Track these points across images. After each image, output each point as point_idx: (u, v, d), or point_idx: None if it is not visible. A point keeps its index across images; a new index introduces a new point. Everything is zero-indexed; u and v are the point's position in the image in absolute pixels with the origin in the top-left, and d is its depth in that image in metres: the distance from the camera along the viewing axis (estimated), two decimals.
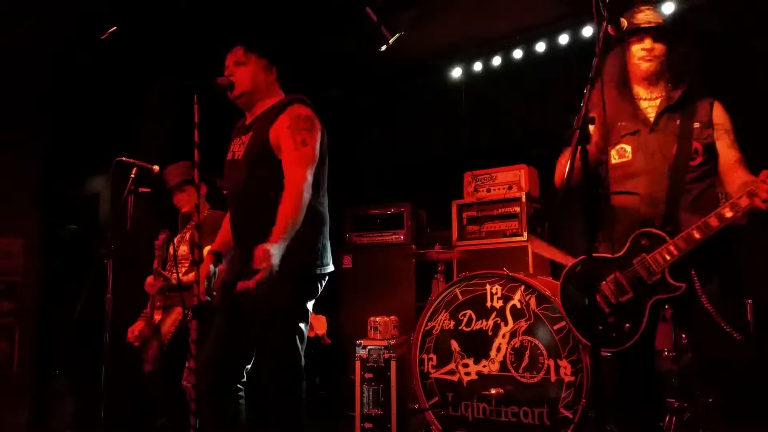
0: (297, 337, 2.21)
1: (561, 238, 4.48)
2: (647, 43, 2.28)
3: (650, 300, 2.15)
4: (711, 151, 2.22)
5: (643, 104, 2.34)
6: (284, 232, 2.09)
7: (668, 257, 2.10)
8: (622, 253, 2.21)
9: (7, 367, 4.57)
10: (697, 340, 2.21)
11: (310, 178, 2.21)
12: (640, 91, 2.36)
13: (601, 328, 2.20)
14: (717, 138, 2.23)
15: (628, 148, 2.29)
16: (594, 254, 2.26)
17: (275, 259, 2.00)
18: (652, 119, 2.29)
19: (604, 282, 2.23)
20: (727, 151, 2.22)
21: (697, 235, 2.05)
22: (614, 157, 2.32)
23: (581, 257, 2.36)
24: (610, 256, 2.25)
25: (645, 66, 2.30)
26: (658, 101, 2.32)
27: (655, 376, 2.41)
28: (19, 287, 4.81)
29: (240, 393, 2.29)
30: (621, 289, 2.20)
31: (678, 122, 2.24)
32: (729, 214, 2.01)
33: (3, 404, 4.40)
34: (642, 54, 2.29)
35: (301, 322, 2.24)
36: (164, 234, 3.31)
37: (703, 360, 2.19)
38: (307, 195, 2.18)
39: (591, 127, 2.29)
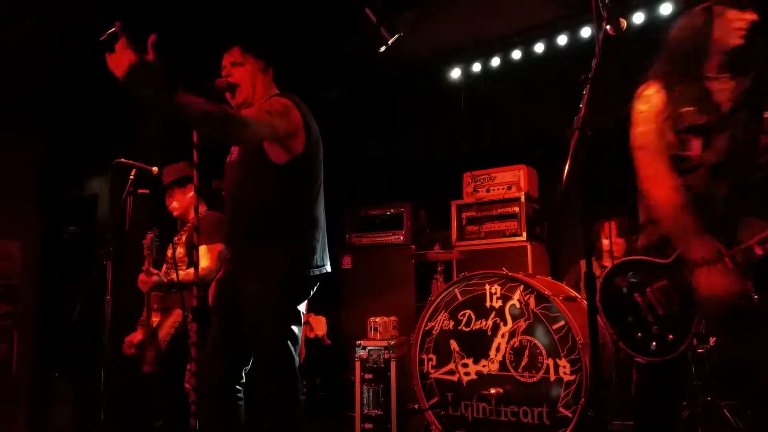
0: (288, 339, 2.19)
1: (561, 238, 4.50)
2: (749, 14, 1.96)
3: (697, 314, 2.00)
4: None
5: (715, 86, 2.03)
6: (197, 104, 1.89)
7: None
8: (671, 259, 2.04)
9: (6, 369, 4.57)
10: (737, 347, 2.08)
11: (252, 125, 2.04)
12: (710, 70, 2.06)
13: (640, 335, 2.07)
14: None
15: (696, 141, 2.02)
16: (642, 257, 2.14)
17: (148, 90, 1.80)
18: (725, 108, 2.00)
19: (650, 289, 2.08)
20: None
21: (759, 251, 1.86)
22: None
23: (627, 258, 2.21)
24: (659, 261, 2.09)
25: (738, 41, 1.97)
26: (729, 86, 2.03)
27: (680, 378, 2.28)
28: (18, 289, 4.81)
29: (239, 394, 2.29)
30: (669, 299, 2.04)
31: (746, 111, 1.98)
32: None
33: (2, 406, 4.40)
34: (741, 25, 1.96)
35: (292, 324, 2.22)
36: (152, 233, 3.30)
37: (735, 366, 2.10)
38: (245, 120, 2.01)
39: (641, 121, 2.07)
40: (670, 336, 2.02)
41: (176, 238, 3.54)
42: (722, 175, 1.96)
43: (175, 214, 3.58)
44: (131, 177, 3.06)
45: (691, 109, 2.01)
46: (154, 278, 3.23)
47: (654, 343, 2.06)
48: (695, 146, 2.00)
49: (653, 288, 2.08)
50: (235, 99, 2.37)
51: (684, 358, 2.13)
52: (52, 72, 4.41)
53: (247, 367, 2.30)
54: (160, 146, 4.50)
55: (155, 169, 3.18)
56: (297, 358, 2.22)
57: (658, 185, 2.03)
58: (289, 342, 2.19)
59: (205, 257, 3.25)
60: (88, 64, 4.19)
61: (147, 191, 3.13)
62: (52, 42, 4.06)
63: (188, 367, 2.95)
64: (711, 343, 2.37)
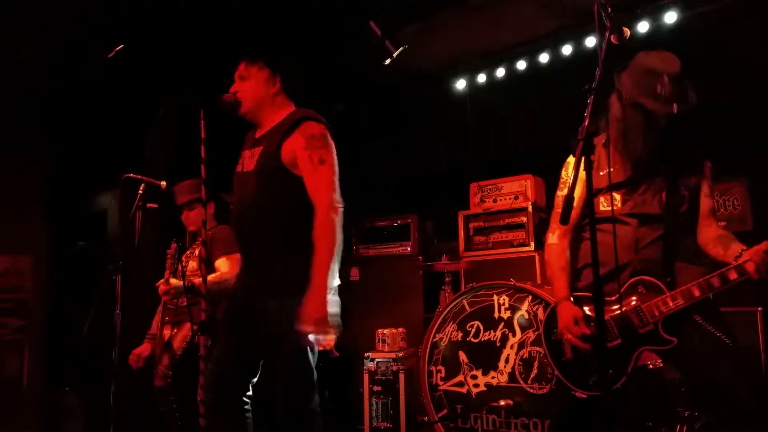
0: (308, 350, 2.21)
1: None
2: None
3: (638, 350, 2.10)
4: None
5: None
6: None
7: (664, 309, 2.06)
8: (616, 296, 2.14)
9: (17, 384, 4.59)
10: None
11: (334, 195, 2.21)
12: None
13: (579, 369, 2.16)
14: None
15: (617, 196, 2.23)
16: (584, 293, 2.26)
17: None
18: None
19: (593, 324, 2.16)
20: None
21: (696, 293, 2.03)
22: (603, 205, 2.25)
23: (574, 294, 2.32)
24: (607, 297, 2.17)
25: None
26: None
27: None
28: (28, 304, 4.84)
29: (246, 407, 2.29)
30: (610, 334, 2.14)
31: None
32: (734, 276, 2.00)
33: (13, 420, 4.41)
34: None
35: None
36: (176, 243, 3.33)
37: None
38: (333, 215, 2.18)
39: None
40: (611, 371, 2.09)
41: (188, 252, 3.58)
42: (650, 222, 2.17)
43: (190, 229, 3.62)
44: (140, 192, 3.09)
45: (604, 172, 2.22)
46: (173, 283, 3.23)
47: (594, 378, 2.14)
48: (618, 200, 2.22)
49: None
50: (240, 110, 2.40)
51: (623, 390, 2.18)
52: (59, 87, 4.46)
53: (255, 380, 2.30)
54: (169, 161, 4.55)
55: (164, 183, 3.21)
56: (314, 370, 2.24)
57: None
58: (308, 353, 2.21)
59: (225, 264, 3.28)
60: (95, 80, 4.27)
61: (156, 206, 3.16)
62: (59, 58, 4.11)
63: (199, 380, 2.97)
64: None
